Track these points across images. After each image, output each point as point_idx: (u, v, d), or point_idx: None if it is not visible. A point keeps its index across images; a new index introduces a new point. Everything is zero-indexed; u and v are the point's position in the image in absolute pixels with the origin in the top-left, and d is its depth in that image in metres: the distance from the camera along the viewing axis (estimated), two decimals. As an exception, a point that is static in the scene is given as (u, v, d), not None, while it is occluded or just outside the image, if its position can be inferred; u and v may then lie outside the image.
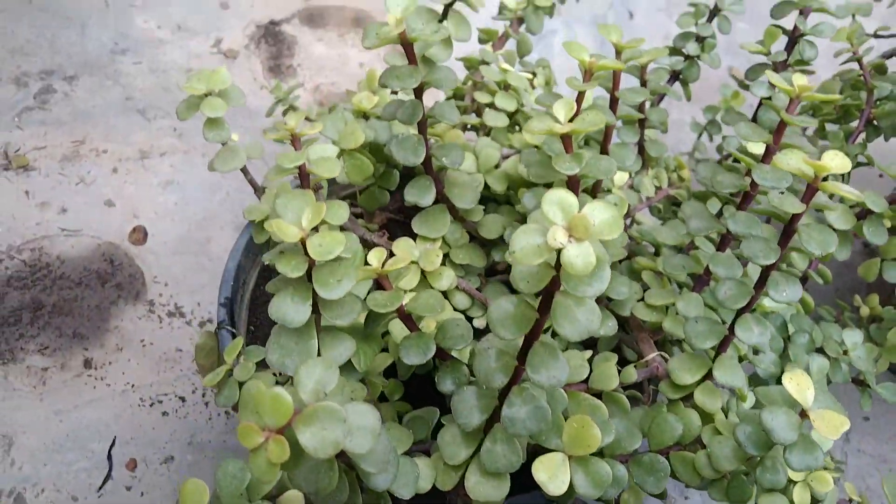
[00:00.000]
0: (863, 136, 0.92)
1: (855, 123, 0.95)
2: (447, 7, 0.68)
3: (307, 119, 1.03)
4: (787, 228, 0.52)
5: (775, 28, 0.76)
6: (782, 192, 0.50)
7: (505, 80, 0.81)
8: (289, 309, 0.48)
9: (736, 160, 0.78)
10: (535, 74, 1.00)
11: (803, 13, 0.71)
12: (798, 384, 0.49)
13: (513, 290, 0.78)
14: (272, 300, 0.49)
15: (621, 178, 0.84)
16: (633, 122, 0.79)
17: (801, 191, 0.52)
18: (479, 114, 0.88)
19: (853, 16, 1.22)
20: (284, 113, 1.03)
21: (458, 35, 0.69)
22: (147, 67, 1.48)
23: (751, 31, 1.90)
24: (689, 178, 0.98)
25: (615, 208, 0.37)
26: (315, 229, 0.47)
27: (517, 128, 0.85)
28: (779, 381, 0.69)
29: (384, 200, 0.77)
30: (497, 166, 0.79)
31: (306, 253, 0.46)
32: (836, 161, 0.50)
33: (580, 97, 0.61)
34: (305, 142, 0.61)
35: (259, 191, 0.74)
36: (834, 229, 0.54)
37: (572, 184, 0.57)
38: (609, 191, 0.79)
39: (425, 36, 0.55)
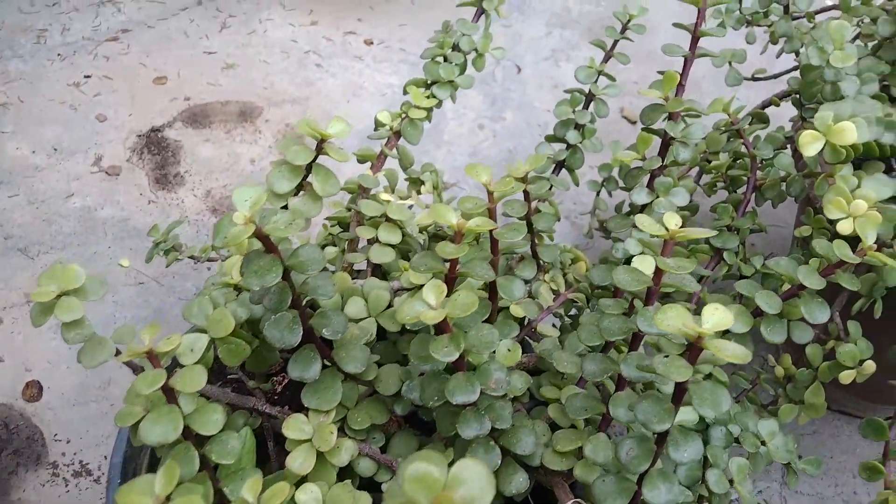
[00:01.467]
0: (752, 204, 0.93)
1: (743, 189, 0.96)
2: (307, 170, 0.65)
3: (192, 257, 0.98)
4: (679, 386, 0.50)
5: (647, 133, 0.76)
6: (667, 356, 0.49)
7: (385, 213, 0.79)
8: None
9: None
10: (422, 182, 0.98)
11: (672, 118, 0.71)
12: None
13: (423, 431, 0.75)
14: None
15: (519, 289, 0.82)
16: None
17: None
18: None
19: (729, 63, 1.25)
20: (167, 254, 0.98)
21: (325, 191, 0.66)
22: (24, 199, 1.40)
23: (635, 68, 1.94)
24: (589, 266, 0.97)
25: (487, 472, 0.34)
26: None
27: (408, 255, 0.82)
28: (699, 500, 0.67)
29: (274, 360, 0.73)
30: (390, 305, 0.76)
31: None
32: (715, 317, 0.48)
33: (453, 267, 0.58)
34: (164, 355, 0.56)
35: (138, 371, 0.69)
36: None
37: (457, 362, 0.54)
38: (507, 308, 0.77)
39: (279, 232, 0.52)
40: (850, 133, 0.69)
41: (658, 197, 0.73)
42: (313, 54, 1.77)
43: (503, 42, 1.94)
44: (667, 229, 0.55)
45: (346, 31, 1.86)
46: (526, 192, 0.82)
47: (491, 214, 0.66)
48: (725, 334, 0.68)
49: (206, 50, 1.74)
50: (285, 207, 0.68)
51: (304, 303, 0.61)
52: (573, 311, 0.90)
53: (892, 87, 0.96)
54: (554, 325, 0.85)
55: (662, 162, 0.74)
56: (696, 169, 1.23)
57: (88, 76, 1.64)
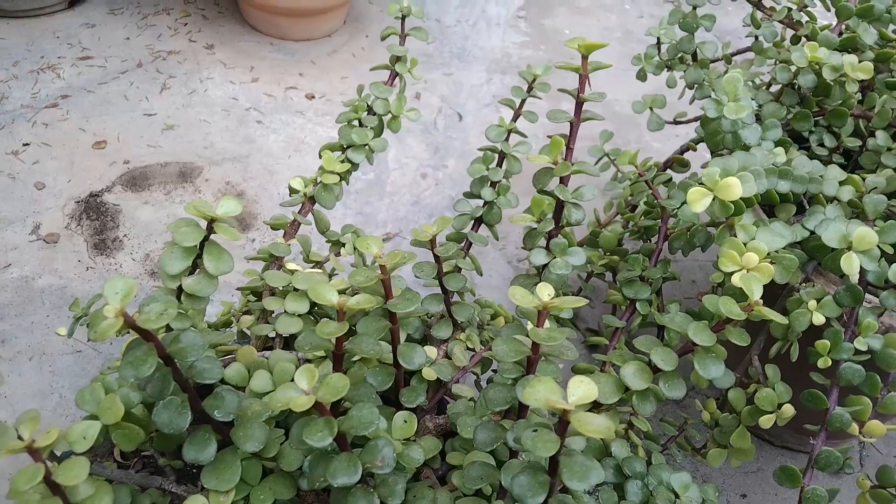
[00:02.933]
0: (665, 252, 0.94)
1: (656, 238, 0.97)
2: (202, 245, 0.65)
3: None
4: (552, 459, 0.51)
5: (540, 196, 0.77)
6: (535, 430, 0.49)
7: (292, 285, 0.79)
8: None
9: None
10: (342, 244, 0.99)
11: (563, 181, 0.72)
12: None
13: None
14: None
15: (431, 351, 0.83)
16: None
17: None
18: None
19: (651, 109, 1.27)
20: (91, 327, 0.97)
21: (219, 270, 0.66)
22: (-42, 273, 1.39)
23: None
24: (510, 320, 0.98)
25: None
26: None
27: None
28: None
29: (181, 439, 0.72)
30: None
31: None
32: (580, 391, 0.49)
33: (339, 344, 0.58)
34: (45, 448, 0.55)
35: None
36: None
37: (339, 442, 0.54)
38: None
39: (151, 323, 0.52)
40: (736, 189, 0.70)
41: (555, 258, 0.74)
42: (254, 111, 1.78)
43: (444, 90, 1.96)
44: (540, 300, 0.56)
45: (287, 87, 1.87)
46: (436, 256, 0.83)
47: (385, 286, 0.67)
48: (626, 392, 0.69)
49: (147, 112, 1.74)
50: (181, 287, 0.68)
51: (193, 384, 0.61)
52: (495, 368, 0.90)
53: (797, 129, 0.99)
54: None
55: (558, 223, 0.75)
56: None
57: (27, 144, 1.64)
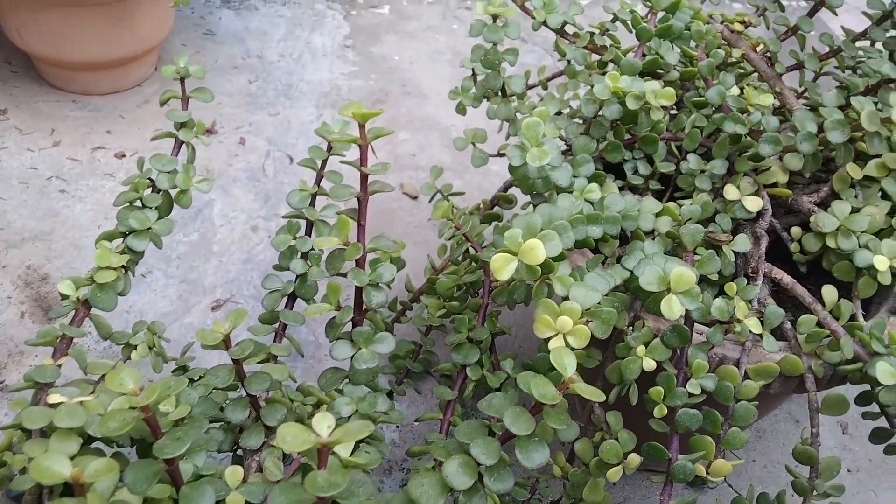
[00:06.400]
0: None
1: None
2: None
3: None
4: None
5: (335, 283, 0.69)
6: None
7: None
8: None
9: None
10: (133, 346, 0.87)
11: (360, 264, 0.65)
12: None
13: None
14: None
15: (235, 475, 0.73)
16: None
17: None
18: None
19: (473, 144, 1.22)
20: None
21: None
22: None
23: (412, 137, 1.91)
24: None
25: None
26: None
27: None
28: None
29: None
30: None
31: None
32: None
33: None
34: None
35: None
36: None
37: None
38: None
39: None
40: (540, 252, 0.65)
41: (360, 349, 0.66)
42: (57, 179, 1.61)
43: (271, 132, 1.85)
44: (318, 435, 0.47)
45: (93, 147, 1.71)
46: (235, 360, 0.73)
47: (150, 425, 0.57)
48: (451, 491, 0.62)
49: (-73, 194, 1.54)
50: None
51: None
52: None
53: (609, 160, 0.96)
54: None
55: (360, 309, 0.67)
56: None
57: None
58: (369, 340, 0.66)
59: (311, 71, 2.11)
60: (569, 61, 1.15)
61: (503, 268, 0.65)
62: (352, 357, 0.66)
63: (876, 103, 0.97)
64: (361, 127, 0.63)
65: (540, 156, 0.78)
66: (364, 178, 0.65)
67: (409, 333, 1.33)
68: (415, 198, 1.75)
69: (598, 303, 0.72)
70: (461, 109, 1.23)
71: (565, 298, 0.68)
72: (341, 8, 2.42)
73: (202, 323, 1.37)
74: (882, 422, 0.84)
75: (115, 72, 1.84)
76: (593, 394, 0.58)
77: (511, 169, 0.82)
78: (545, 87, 1.25)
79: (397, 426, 1.25)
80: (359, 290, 0.66)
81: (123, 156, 1.70)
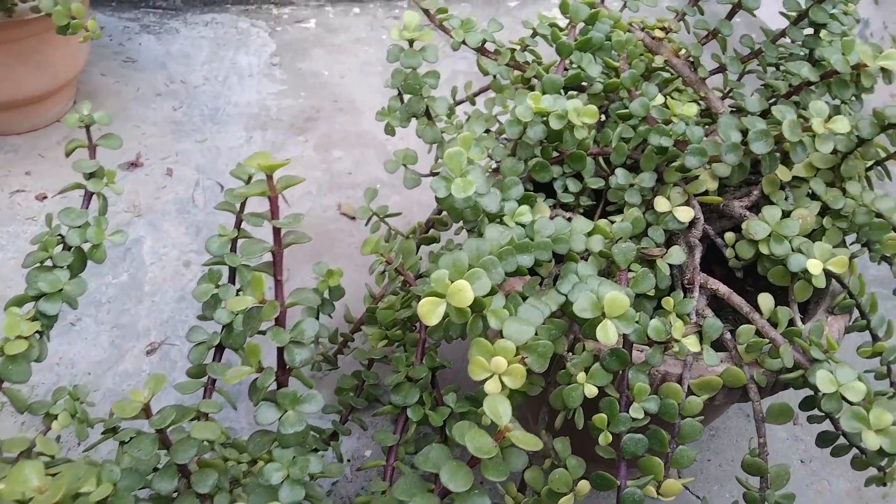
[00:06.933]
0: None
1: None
2: None
3: None
4: None
5: (254, 345, 0.66)
6: None
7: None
8: None
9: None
10: (54, 416, 0.82)
11: (279, 321, 0.61)
12: None
13: None
14: None
15: None
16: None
17: None
18: None
19: (405, 166, 1.19)
20: None
21: None
22: None
23: (348, 155, 1.88)
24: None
25: None
26: None
27: None
28: None
29: None
30: None
31: None
32: None
33: None
34: None
35: None
36: None
37: None
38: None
39: None
40: (467, 294, 0.63)
41: (286, 412, 0.63)
42: (-26, 228, 1.54)
43: (200, 160, 1.80)
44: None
45: (13, 191, 1.63)
46: (158, 430, 0.69)
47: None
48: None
49: None
50: None
51: None
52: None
53: (538, 180, 0.94)
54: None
55: (284, 368, 0.64)
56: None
57: None
58: (295, 401, 0.63)
59: (238, 92, 2.05)
60: (494, 76, 1.13)
61: (431, 312, 0.63)
62: (279, 420, 0.63)
63: (797, 103, 0.97)
64: (269, 178, 0.59)
65: (465, 186, 0.75)
66: (277, 231, 0.61)
67: (354, 365, 1.30)
68: (353, 218, 1.71)
69: (536, 333, 0.70)
70: (390, 130, 1.20)
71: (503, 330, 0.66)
72: (266, 24, 2.37)
73: (137, 370, 1.31)
74: (827, 424, 0.85)
75: (31, 109, 1.76)
76: (529, 442, 0.56)
77: (438, 199, 0.79)
78: (473, 103, 1.23)
79: (349, 459, 1.21)
80: (280, 349, 0.63)
81: (45, 197, 1.63)
